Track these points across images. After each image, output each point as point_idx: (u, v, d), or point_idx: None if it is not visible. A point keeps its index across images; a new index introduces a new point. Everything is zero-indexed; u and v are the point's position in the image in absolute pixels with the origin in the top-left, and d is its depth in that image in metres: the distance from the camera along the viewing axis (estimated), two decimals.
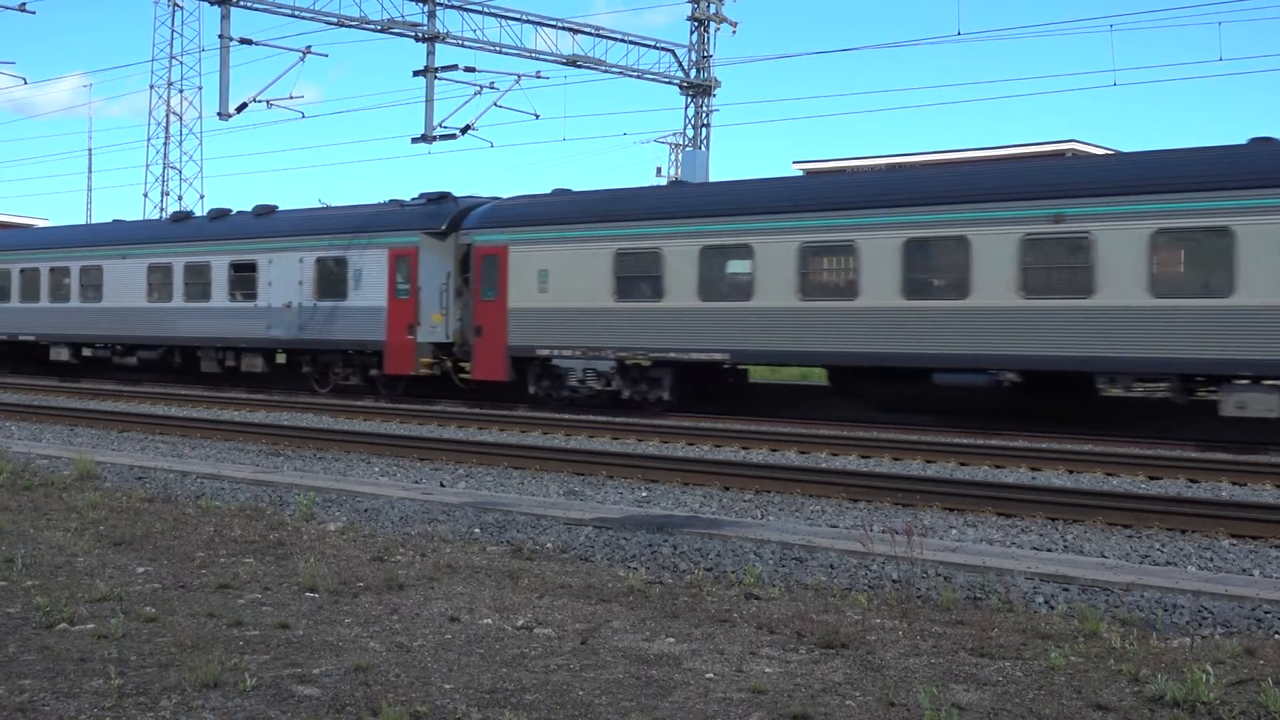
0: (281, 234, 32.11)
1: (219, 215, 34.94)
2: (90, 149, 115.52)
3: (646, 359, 25.26)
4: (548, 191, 29.53)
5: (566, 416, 24.09)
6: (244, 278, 32.59)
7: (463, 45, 35.84)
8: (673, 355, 24.91)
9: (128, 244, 36.19)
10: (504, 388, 27.77)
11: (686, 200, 26.17)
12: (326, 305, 30.47)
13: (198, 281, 33.72)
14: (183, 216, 36.70)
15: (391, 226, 29.69)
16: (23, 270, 39.22)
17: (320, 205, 34.07)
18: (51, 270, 38.21)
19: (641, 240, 25.54)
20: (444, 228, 28.79)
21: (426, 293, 28.50)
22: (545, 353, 26.51)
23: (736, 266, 24.51)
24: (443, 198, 29.68)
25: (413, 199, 30.46)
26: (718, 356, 24.52)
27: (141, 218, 52.85)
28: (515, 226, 27.71)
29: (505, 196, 30.12)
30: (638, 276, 25.49)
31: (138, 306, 35.30)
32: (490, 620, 7.41)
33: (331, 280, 30.56)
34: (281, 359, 33.19)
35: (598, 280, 25.87)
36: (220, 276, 33.14)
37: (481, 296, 27.61)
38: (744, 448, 18.96)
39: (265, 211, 33.62)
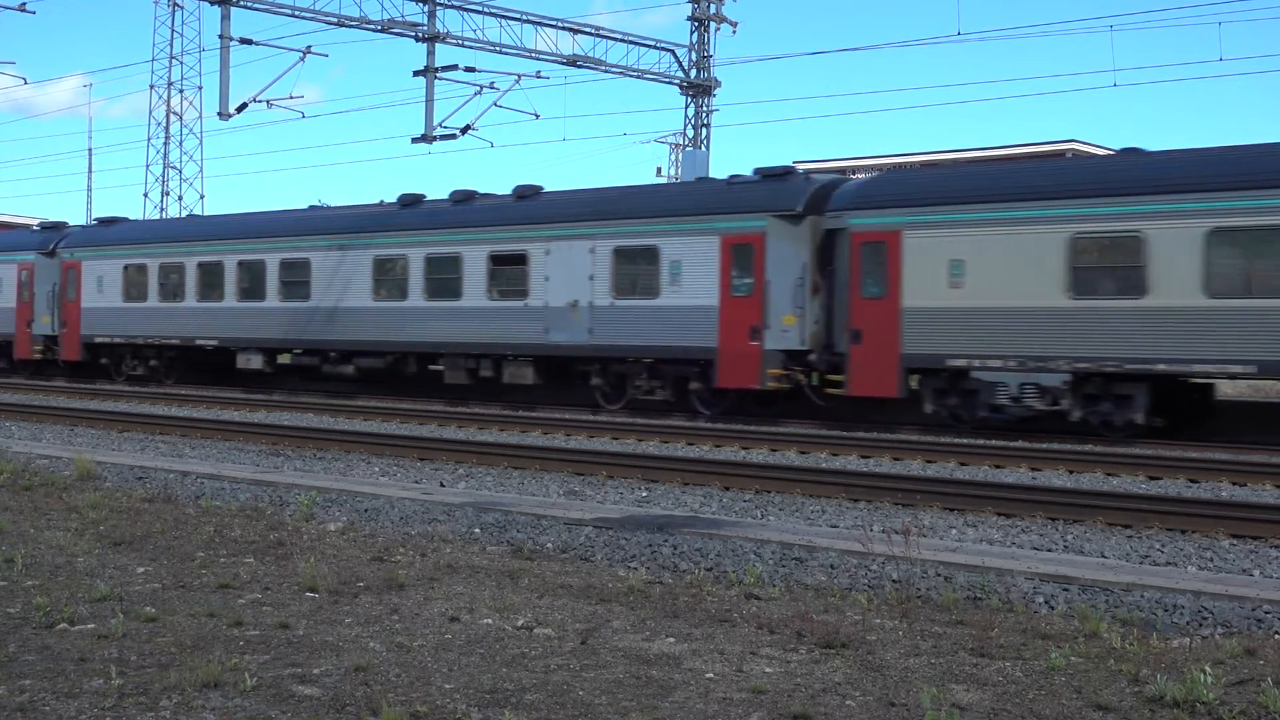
0: (564, 219, 26.87)
1: (464, 198, 29.84)
2: (90, 149, 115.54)
3: (1118, 369, 20.09)
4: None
5: (566, 417, 24.08)
6: (509, 272, 27.48)
7: (463, 45, 35.89)
8: (1161, 367, 19.74)
9: (345, 233, 30.85)
10: (867, 405, 23.16)
11: (1177, 169, 20.82)
12: (628, 304, 25.43)
13: (442, 276, 28.53)
14: (414, 200, 30.81)
15: (724, 208, 24.65)
16: (201, 264, 33.76)
17: (601, 189, 29.27)
18: (240, 264, 32.78)
19: (1112, 221, 20.22)
20: (799, 209, 23.65)
21: (776, 289, 23.41)
22: (960, 363, 21.43)
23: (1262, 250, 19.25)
24: (788, 173, 25.10)
25: (734, 177, 25.69)
26: (1236, 370, 19.50)
27: (144, 219, 52.70)
28: (912, 206, 22.49)
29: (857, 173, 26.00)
30: (1101, 268, 20.46)
31: (359, 306, 30.07)
32: (490, 620, 7.41)
33: (636, 274, 25.56)
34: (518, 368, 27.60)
35: (1044, 272, 20.64)
36: (476, 270, 27.94)
37: (861, 294, 22.54)
38: (744, 448, 18.96)
39: (529, 193, 28.61)
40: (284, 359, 33.20)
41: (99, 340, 36.38)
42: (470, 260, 28.08)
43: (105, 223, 39.29)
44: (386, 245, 29.91)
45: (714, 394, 24.49)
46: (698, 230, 24.65)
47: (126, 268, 35.93)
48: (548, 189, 29.19)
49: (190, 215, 37.62)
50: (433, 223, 29.40)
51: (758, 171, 25.21)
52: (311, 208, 34.38)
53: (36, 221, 47.65)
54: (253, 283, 32.62)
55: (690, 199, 25.80)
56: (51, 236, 39.09)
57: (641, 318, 25.33)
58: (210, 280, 33.60)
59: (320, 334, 30.86)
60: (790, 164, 25.78)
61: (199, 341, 33.76)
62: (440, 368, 29.10)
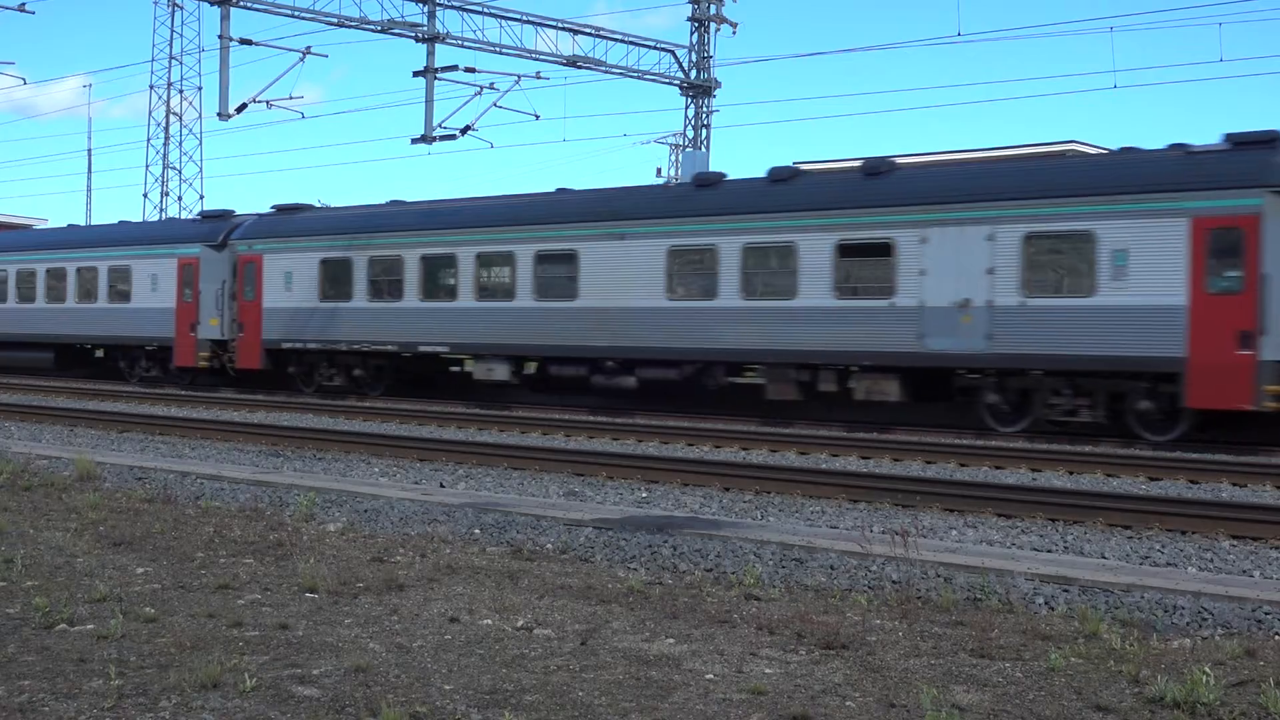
0: (947, 199, 21.98)
1: (788, 175, 24.88)
2: (90, 149, 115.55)
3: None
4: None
5: (566, 417, 24.06)
6: (865, 265, 22.94)
7: (463, 46, 35.89)
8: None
9: (624, 219, 25.86)
10: None
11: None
12: (1046, 304, 20.73)
13: (766, 270, 23.95)
14: (713, 179, 25.99)
15: (1194, 182, 19.71)
16: (426, 257, 28.88)
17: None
18: (479, 256, 27.99)
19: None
20: None
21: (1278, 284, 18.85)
22: None
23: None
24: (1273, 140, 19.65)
25: (1188, 147, 20.63)
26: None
27: (143, 219, 52.60)
28: None
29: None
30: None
31: (647, 306, 25.17)
32: (490, 621, 7.40)
33: (1058, 266, 21.12)
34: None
35: None
36: (814, 263, 23.15)
37: None
38: (744, 448, 18.96)
39: (884, 168, 23.63)
40: (530, 368, 28.30)
41: (287, 346, 31.37)
42: (808, 251, 23.17)
43: (286, 210, 33.55)
44: (685, 233, 24.83)
45: (1170, 415, 19.87)
46: (1156, 213, 19.77)
47: (325, 261, 30.70)
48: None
49: (395, 202, 31.89)
50: (751, 205, 24.36)
51: (1225, 137, 20.21)
52: (559, 191, 28.84)
53: (30, 220, 47.56)
54: (494, 280, 27.76)
55: (1141, 172, 20.69)
56: (220, 226, 33.90)
57: (1066, 321, 20.50)
58: (436, 277, 28.62)
59: (589, 339, 25.88)
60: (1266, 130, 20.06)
61: (423, 348, 28.80)
62: (753, 379, 24.73)
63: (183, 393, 30.66)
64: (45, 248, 39.41)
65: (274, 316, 31.75)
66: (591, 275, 25.97)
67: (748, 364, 24.64)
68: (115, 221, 42.76)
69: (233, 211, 35.01)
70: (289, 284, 31.65)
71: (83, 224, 49.80)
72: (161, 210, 54.45)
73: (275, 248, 32.22)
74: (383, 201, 32.65)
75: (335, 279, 30.62)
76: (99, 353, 38.56)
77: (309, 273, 31.18)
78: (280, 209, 33.77)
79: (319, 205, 34.17)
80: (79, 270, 37.08)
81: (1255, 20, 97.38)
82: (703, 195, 25.34)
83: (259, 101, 32.46)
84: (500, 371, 27.52)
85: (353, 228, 30.81)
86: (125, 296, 35.30)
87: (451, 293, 28.40)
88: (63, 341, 37.77)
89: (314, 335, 30.92)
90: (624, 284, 25.42)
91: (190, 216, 38.80)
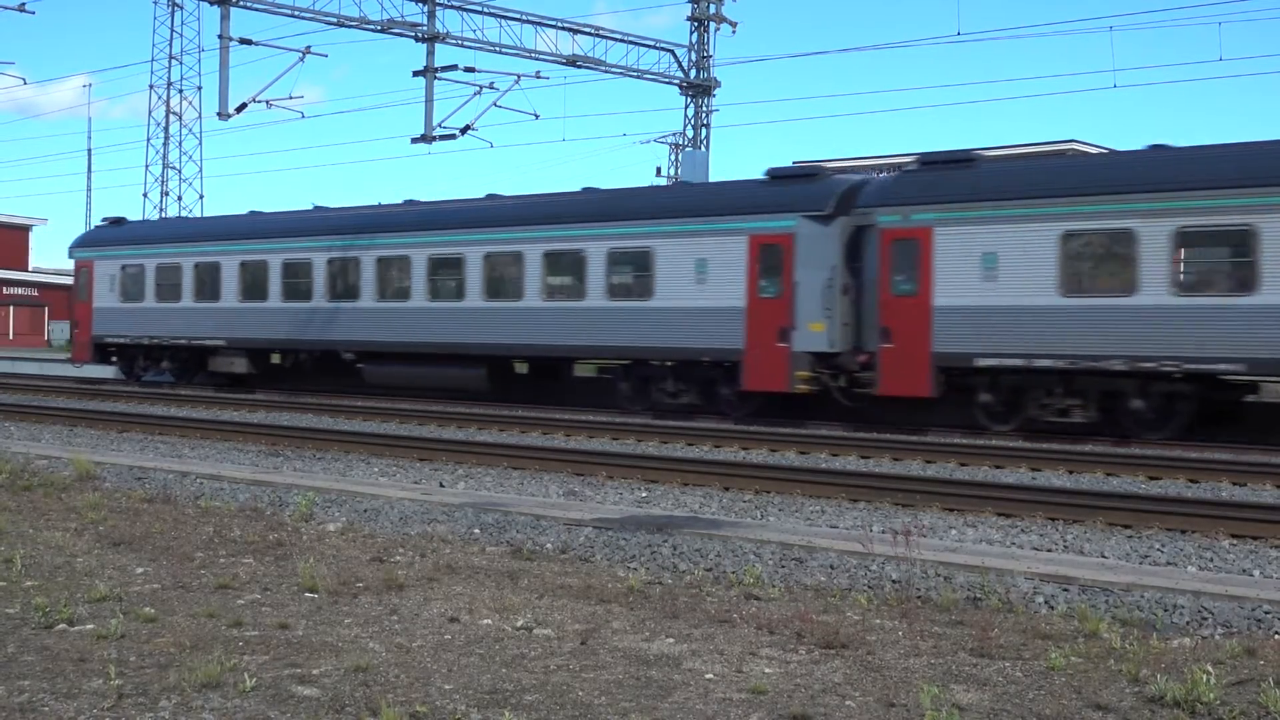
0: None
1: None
2: (90, 149, 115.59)
3: None
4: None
5: (566, 417, 24.06)
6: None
7: (463, 45, 35.90)
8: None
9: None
10: None
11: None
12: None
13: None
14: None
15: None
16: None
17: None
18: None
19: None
20: None
21: None
22: None
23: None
24: None
25: None
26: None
27: (142, 219, 52.47)
28: None
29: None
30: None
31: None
32: (490, 621, 7.40)
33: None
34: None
35: None
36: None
37: None
38: (744, 448, 18.95)
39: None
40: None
41: (987, 363, 21.23)
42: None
43: (936, 164, 23.24)
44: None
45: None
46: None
47: (1068, 236, 20.66)
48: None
49: (1157, 146, 21.58)
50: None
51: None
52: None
53: (17, 219, 46.82)
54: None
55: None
56: (830, 188, 23.81)
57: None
58: None
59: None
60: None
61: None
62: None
63: (183, 393, 30.68)
64: (480, 225, 28.40)
65: (953, 322, 21.52)
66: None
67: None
68: (626, 186, 32.00)
69: (821, 166, 26.41)
70: (993, 272, 21.29)
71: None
72: (161, 210, 54.37)
73: (952, 220, 21.82)
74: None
75: (1091, 268, 20.90)
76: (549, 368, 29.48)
77: (1023, 256, 21.00)
78: (929, 162, 23.52)
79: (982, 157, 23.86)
80: (548, 255, 26.85)
81: (1255, 20, 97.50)
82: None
83: (259, 101, 32.44)
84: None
85: (1124, 183, 20.64)
86: (639, 291, 25.35)
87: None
88: (510, 354, 27.94)
89: (1047, 347, 20.68)
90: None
91: (754, 179, 25.80)
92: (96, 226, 38.82)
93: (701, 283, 24.60)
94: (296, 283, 31.59)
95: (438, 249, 28.84)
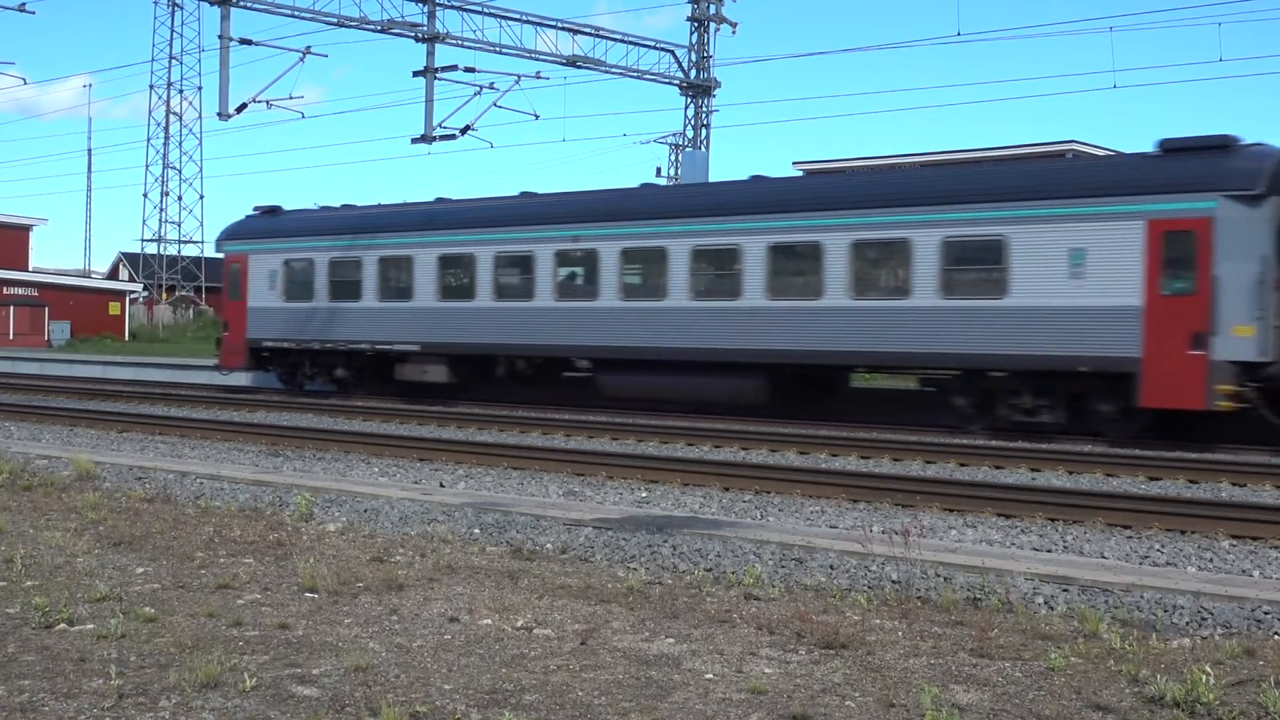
0: None
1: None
2: (90, 149, 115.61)
3: None
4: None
5: (566, 417, 24.06)
6: None
7: (463, 45, 35.90)
8: None
9: None
10: None
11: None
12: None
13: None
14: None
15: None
16: None
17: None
18: None
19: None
20: None
21: None
22: None
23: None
24: None
25: None
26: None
27: (142, 219, 52.16)
28: None
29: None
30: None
31: None
32: (490, 621, 7.40)
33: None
34: None
35: None
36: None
37: None
38: (744, 448, 18.95)
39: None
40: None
41: None
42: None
43: None
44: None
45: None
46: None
47: None
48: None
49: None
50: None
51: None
52: None
53: (17, 219, 45.04)
54: None
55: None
56: (1258, 162, 19.62)
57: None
58: None
59: None
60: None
61: None
62: None
63: (183, 393, 30.64)
64: (763, 210, 24.04)
65: None
66: None
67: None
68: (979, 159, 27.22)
69: (1232, 137, 20.23)
70: None
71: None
72: (161, 210, 54.34)
73: None
74: None
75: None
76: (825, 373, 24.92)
77: None
78: None
79: None
80: (858, 246, 22.60)
81: (1255, 20, 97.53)
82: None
83: (259, 101, 32.41)
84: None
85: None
86: (986, 287, 21.25)
87: None
88: (805, 361, 23.40)
89: None
90: None
91: (1147, 151, 21.12)
92: (248, 216, 33.60)
93: (1077, 277, 20.17)
94: (513, 279, 27.18)
95: (706, 239, 24.25)
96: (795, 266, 23.41)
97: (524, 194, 28.90)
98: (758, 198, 24.42)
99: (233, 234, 33.42)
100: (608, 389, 25.66)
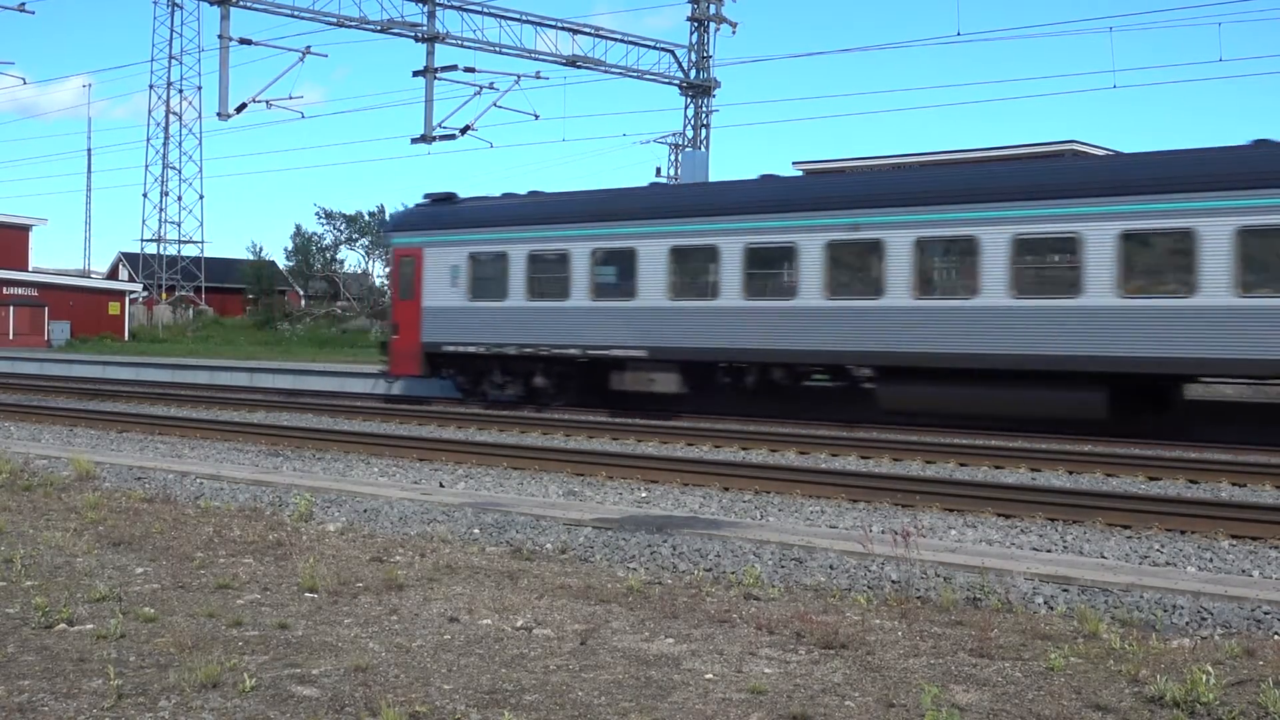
0: None
1: None
2: (90, 149, 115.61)
3: None
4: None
5: (566, 417, 24.05)
6: None
7: (463, 46, 35.93)
8: None
9: None
10: None
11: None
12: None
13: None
14: None
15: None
16: None
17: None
18: None
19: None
20: None
21: None
22: None
23: None
24: None
25: None
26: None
27: (142, 219, 52.12)
28: None
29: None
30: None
31: None
32: (489, 621, 7.40)
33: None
34: None
35: None
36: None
37: None
38: (744, 448, 18.95)
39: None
40: None
41: None
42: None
43: None
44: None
45: None
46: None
47: None
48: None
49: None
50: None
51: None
52: None
53: (17, 219, 44.24)
54: None
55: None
56: None
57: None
58: None
59: None
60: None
61: None
62: None
63: (183, 393, 30.63)
64: (1115, 192, 20.18)
65: None
66: None
67: None
68: None
69: None
70: None
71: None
72: (161, 210, 54.34)
73: None
74: None
75: None
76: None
77: None
78: None
79: None
80: (1244, 234, 18.88)
81: (1254, 20, 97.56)
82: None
83: (259, 101, 32.46)
84: None
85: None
86: None
87: None
88: (1162, 370, 19.86)
89: None
90: None
91: None
92: (418, 205, 30.13)
93: None
94: (768, 274, 23.49)
95: (1026, 227, 20.60)
96: (1156, 261, 20.02)
97: (765, 177, 25.32)
98: (1116, 176, 20.75)
99: (403, 224, 30.13)
100: (890, 401, 22.04)
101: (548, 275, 26.29)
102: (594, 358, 25.49)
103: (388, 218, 30.78)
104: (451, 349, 27.48)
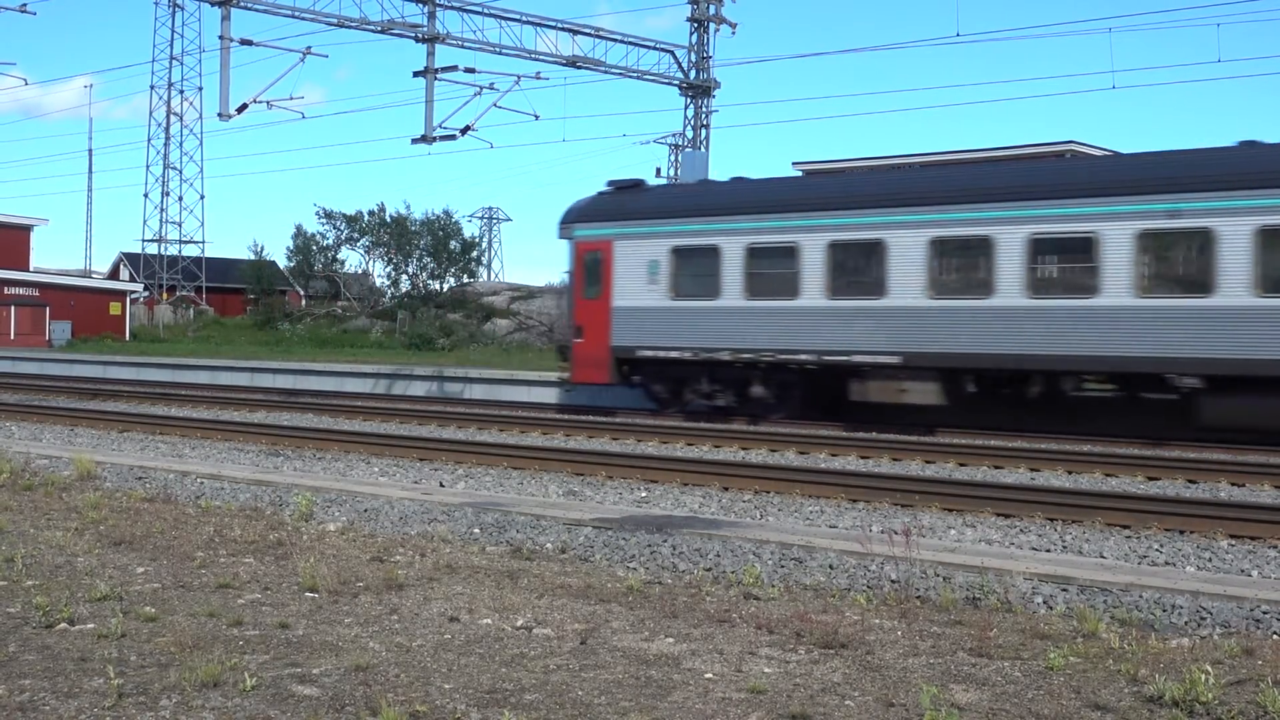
0: None
1: None
2: (91, 150, 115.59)
3: None
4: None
5: (566, 417, 24.05)
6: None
7: (463, 46, 35.89)
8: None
9: None
10: None
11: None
12: None
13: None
14: None
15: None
16: None
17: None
18: None
19: None
20: None
21: None
22: None
23: None
24: None
25: None
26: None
27: (143, 219, 52.19)
28: None
29: None
30: None
31: None
32: (490, 620, 7.41)
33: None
34: None
35: None
36: None
37: None
38: (744, 448, 18.96)
39: None
40: None
41: None
42: None
43: None
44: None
45: None
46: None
47: None
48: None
49: None
50: None
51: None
52: None
53: (18, 219, 44.13)
54: None
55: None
56: None
57: None
58: None
59: None
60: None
61: None
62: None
63: (182, 393, 30.65)
64: None
65: None
66: None
67: None
68: None
69: None
70: None
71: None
72: (162, 210, 54.41)
73: None
74: None
75: None
76: None
77: None
78: None
79: None
80: None
81: (1254, 21, 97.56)
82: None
83: (259, 102, 32.41)
84: None
85: None
86: None
87: None
88: None
89: None
90: None
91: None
92: (600, 193, 26.48)
93: None
94: (1057, 268, 20.72)
95: None
96: None
97: (1060, 157, 22.00)
98: None
99: (585, 214, 26.38)
100: (1215, 417, 19.18)
101: (772, 271, 23.32)
102: (830, 365, 22.65)
103: (566, 210, 26.75)
104: (648, 354, 24.74)
